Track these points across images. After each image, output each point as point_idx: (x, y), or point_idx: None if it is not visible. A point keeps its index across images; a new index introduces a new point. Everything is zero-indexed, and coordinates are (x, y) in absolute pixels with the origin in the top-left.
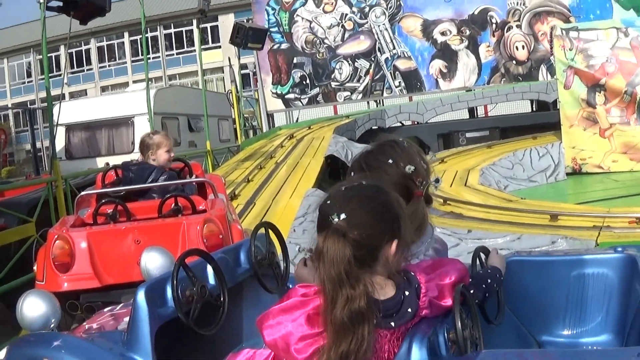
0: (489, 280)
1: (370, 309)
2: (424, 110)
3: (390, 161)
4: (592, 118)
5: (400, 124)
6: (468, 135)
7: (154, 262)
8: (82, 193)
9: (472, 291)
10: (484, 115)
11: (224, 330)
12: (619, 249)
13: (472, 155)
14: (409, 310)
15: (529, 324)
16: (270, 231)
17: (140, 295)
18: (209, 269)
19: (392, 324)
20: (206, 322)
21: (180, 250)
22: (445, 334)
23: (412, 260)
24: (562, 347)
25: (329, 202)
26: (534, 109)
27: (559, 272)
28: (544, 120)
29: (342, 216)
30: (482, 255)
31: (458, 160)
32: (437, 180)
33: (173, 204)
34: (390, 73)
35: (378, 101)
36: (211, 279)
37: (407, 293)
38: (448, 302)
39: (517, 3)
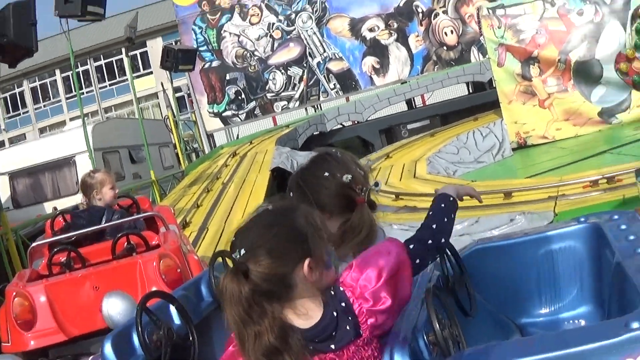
0: (434, 226)
1: (284, 340)
2: (362, 109)
3: (326, 174)
4: (530, 91)
5: (341, 126)
6: (409, 127)
7: (115, 308)
8: (34, 244)
9: (417, 261)
10: (422, 105)
11: None
12: (582, 219)
13: (416, 146)
14: (348, 327)
15: (506, 310)
16: (227, 259)
17: (107, 348)
18: (173, 309)
19: (333, 346)
20: None
21: (140, 290)
22: (425, 337)
23: None
24: (542, 326)
25: (233, 238)
26: (471, 91)
27: (526, 253)
28: (482, 100)
29: (242, 252)
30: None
31: (403, 153)
32: (376, 184)
33: (126, 243)
34: (324, 76)
35: (316, 106)
36: (176, 319)
37: (339, 310)
38: (387, 302)
39: None
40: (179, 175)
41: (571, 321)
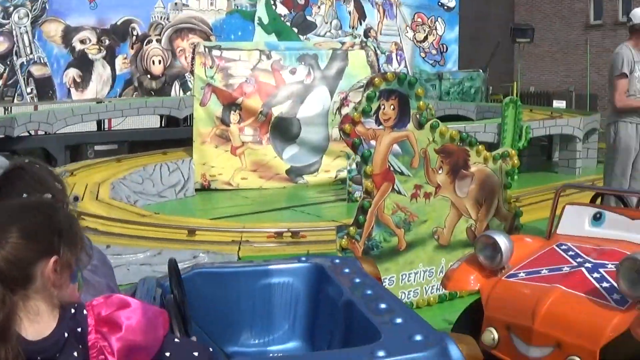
0: None
1: (5, 331)
2: (54, 120)
3: (24, 196)
4: (225, 136)
5: (29, 134)
6: (97, 148)
7: None
8: None
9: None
10: (107, 129)
11: None
12: (303, 259)
13: (102, 168)
14: (76, 355)
15: (216, 337)
16: None
17: None
18: None
19: None
20: None
21: None
22: None
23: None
24: (252, 357)
25: None
26: (163, 125)
27: (245, 283)
28: (173, 136)
29: None
30: None
31: (88, 174)
32: (75, 199)
33: None
34: (24, 79)
35: (7, 108)
36: None
37: (71, 334)
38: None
39: (161, 17)
40: None
41: (280, 354)
